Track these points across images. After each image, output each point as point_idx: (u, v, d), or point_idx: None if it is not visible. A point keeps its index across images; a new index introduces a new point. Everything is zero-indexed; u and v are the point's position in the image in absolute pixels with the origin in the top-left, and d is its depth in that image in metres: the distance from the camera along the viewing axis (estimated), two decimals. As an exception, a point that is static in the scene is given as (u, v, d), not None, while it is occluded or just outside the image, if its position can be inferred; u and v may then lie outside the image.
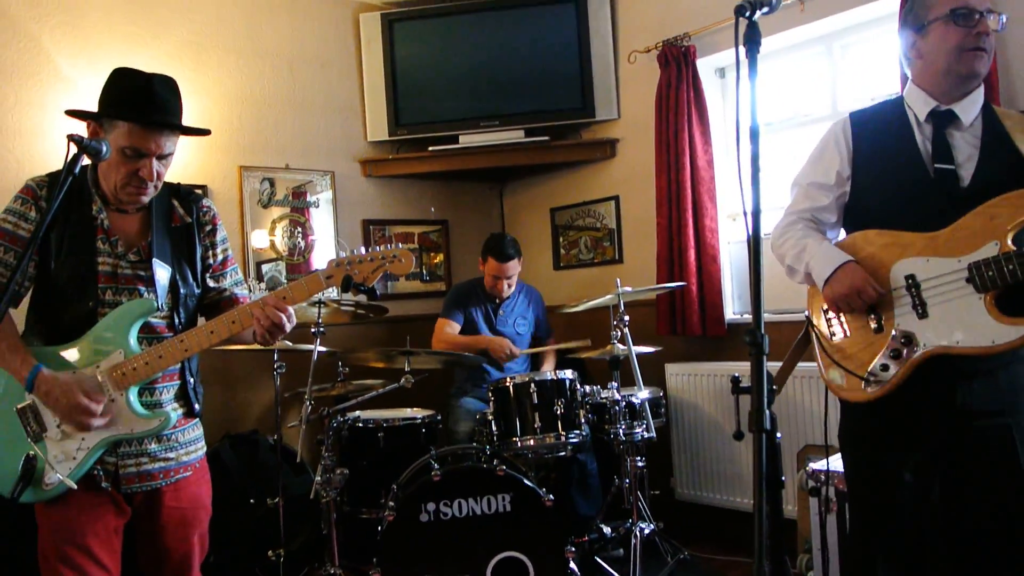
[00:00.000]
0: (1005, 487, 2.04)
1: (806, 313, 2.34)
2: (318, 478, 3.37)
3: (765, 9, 1.63)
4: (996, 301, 1.99)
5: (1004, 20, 2.13)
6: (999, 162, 2.09)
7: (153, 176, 2.11)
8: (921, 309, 2.08)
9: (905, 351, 2.07)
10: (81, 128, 2.13)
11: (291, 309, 2.11)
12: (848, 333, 2.20)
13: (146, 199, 2.17)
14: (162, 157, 2.12)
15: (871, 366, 2.11)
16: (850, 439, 2.28)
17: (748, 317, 4.49)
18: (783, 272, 2.41)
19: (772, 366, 1.52)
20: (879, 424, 2.15)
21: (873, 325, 2.15)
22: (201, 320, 2.20)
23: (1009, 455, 2.04)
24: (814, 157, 2.37)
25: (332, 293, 3.64)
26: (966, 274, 2.02)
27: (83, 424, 2.03)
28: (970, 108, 2.16)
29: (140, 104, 2.08)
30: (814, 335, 2.27)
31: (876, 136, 2.24)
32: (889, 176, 2.18)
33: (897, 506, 2.10)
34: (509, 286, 4.48)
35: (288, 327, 2.11)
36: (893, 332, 2.10)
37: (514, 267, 4.47)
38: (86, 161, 1.98)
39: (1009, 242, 1.98)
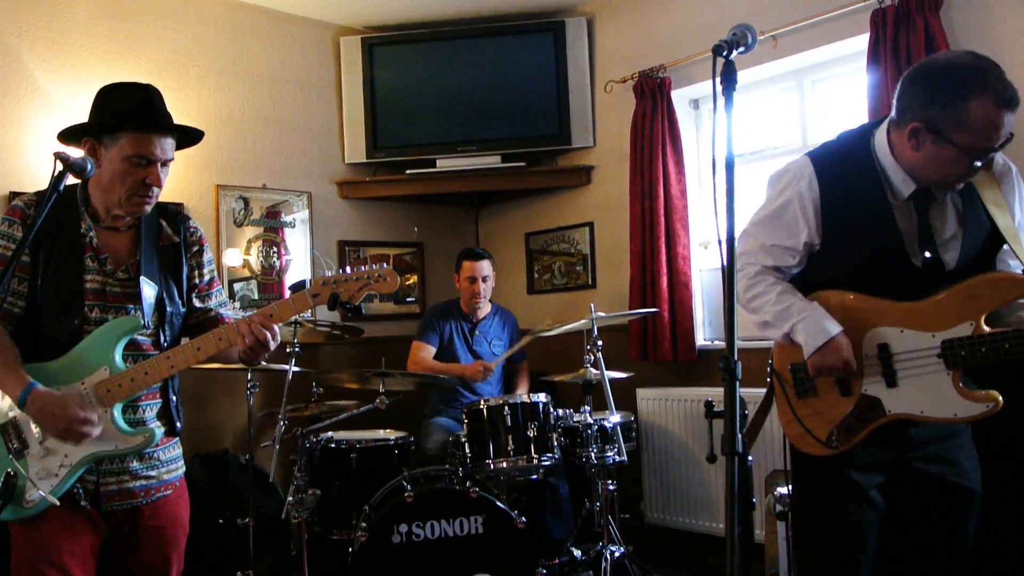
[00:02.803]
0: (949, 501, 2.14)
1: (770, 365, 2.30)
2: (290, 498, 3.37)
3: (741, 48, 1.67)
4: (962, 375, 2.05)
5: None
6: (979, 240, 2.12)
7: (160, 182, 2.15)
8: (890, 378, 2.11)
9: (869, 414, 2.12)
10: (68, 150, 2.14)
11: (276, 328, 2.14)
12: (815, 392, 2.20)
13: (149, 208, 2.19)
14: (164, 164, 2.16)
15: (833, 427, 2.14)
16: (810, 469, 2.25)
17: (719, 344, 4.56)
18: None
19: (744, 392, 1.56)
20: (840, 455, 2.15)
21: (840, 387, 2.16)
22: (185, 340, 2.22)
23: (951, 472, 2.14)
24: (774, 214, 2.22)
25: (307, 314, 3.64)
26: (938, 350, 2.05)
27: (81, 435, 2.02)
28: None
29: (142, 112, 2.13)
30: (780, 388, 2.24)
31: (850, 206, 2.14)
32: (868, 253, 2.14)
33: (867, 524, 2.13)
34: (485, 291, 4.51)
35: (273, 345, 2.14)
36: (860, 395, 2.13)
37: (487, 267, 4.51)
38: (72, 180, 2.00)
39: (983, 323, 2.03)
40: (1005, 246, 2.12)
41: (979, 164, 2.00)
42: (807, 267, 2.27)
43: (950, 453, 2.15)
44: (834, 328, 2.10)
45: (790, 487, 2.40)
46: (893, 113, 2.11)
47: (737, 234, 1.61)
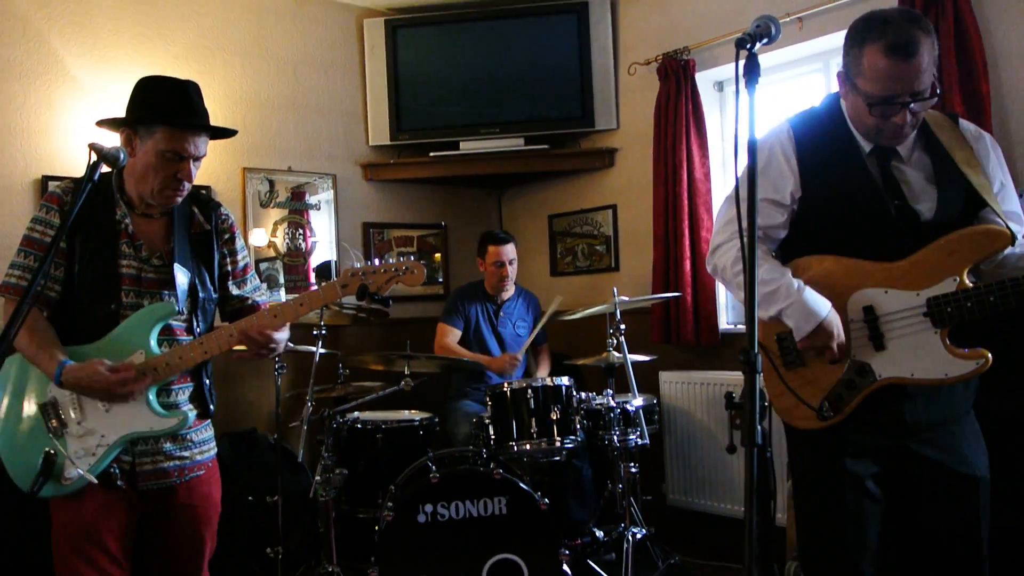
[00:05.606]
0: (953, 490, 2.09)
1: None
2: (318, 477, 3.43)
3: (765, 40, 1.66)
4: (949, 333, 2.03)
5: (934, 97, 2.01)
6: (955, 196, 2.09)
7: (191, 177, 2.21)
8: (878, 341, 2.09)
9: (859, 380, 2.09)
10: (100, 136, 2.19)
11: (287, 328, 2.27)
12: (804, 362, 2.17)
13: (179, 200, 2.26)
14: (197, 159, 2.22)
15: (825, 396, 2.11)
16: (806, 456, 2.24)
17: (742, 327, 4.56)
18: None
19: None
20: (834, 440, 2.13)
21: (828, 355, 2.13)
22: (218, 325, 2.28)
23: (954, 460, 2.09)
24: (760, 171, 2.20)
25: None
26: (924, 308, 2.03)
27: (124, 395, 2.10)
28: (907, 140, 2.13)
29: (178, 109, 2.18)
30: (768, 361, 2.22)
31: (824, 159, 2.15)
32: (844, 205, 2.13)
33: (865, 515, 2.10)
34: (513, 274, 4.55)
35: (282, 346, 2.27)
36: (849, 361, 2.11)
37: (512, 250, 4.55)
38: (106, 168, 2.04)
39: (966, 278, 2.01)
40: (986, 208, 2.09)
41: (889, 117, 1.99)
42: (788, 234, 2.25)
43: (950, 440, 2.11)
44: (823, 309, 2.07)
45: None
46: None
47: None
